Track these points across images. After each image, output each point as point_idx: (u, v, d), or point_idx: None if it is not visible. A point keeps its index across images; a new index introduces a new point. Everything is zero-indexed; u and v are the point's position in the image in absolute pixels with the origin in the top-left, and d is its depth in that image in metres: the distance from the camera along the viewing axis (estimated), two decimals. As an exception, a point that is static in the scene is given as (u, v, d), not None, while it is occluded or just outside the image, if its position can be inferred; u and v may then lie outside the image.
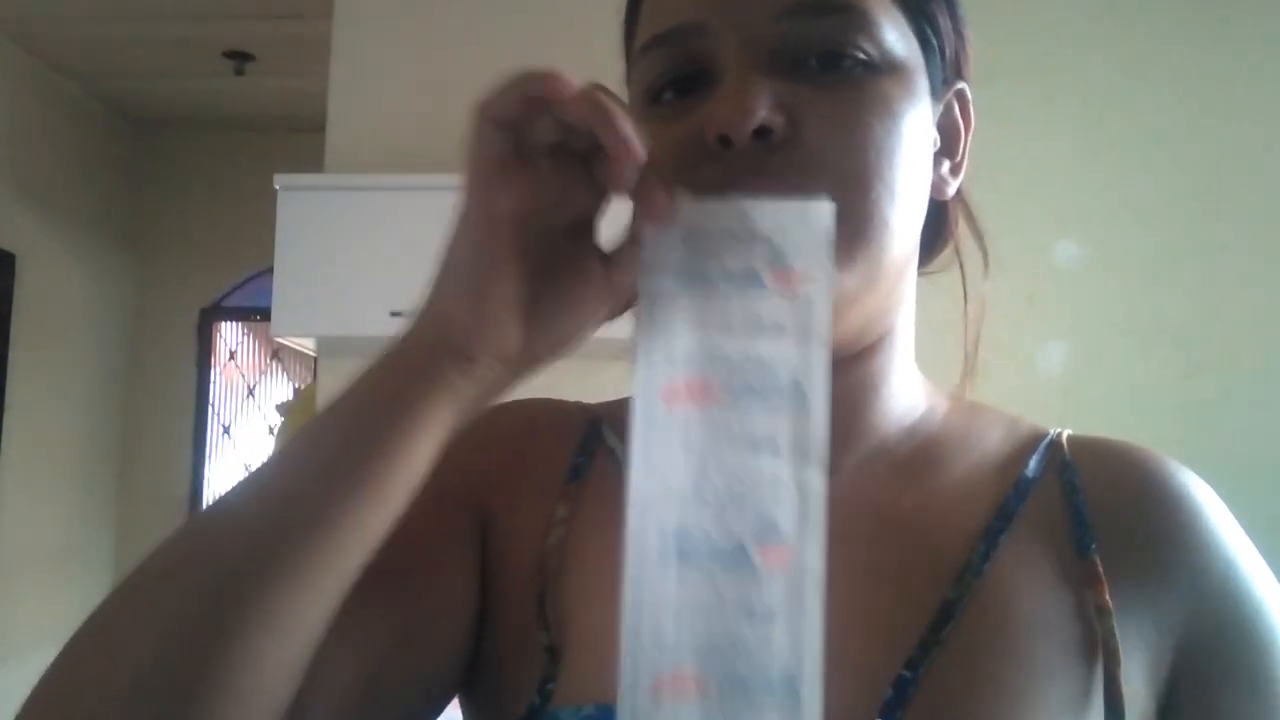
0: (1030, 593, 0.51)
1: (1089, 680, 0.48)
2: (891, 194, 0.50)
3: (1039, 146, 2.35)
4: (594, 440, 0.60)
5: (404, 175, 2.30)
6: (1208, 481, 0.55)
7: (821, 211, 0.45)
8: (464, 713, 0.58)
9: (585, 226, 0.48)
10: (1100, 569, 0.51)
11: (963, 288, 0.63)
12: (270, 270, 2.39)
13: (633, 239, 0.47)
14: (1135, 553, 0.52)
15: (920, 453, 0.56)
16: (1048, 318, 2.32)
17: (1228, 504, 0.55)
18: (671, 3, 0.52)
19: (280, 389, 4.55)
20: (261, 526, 0.43)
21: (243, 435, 4.37)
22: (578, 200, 0.46)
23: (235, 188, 3.89)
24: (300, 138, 3.30)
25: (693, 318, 0.45)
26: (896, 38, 0.51)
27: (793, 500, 0.42)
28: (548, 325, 0.47)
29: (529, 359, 0.47)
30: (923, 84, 0.53)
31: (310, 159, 2.61)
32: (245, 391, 4.48)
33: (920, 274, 0.59)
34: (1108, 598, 0.50)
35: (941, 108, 0.56)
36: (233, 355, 4.46)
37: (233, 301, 4.33)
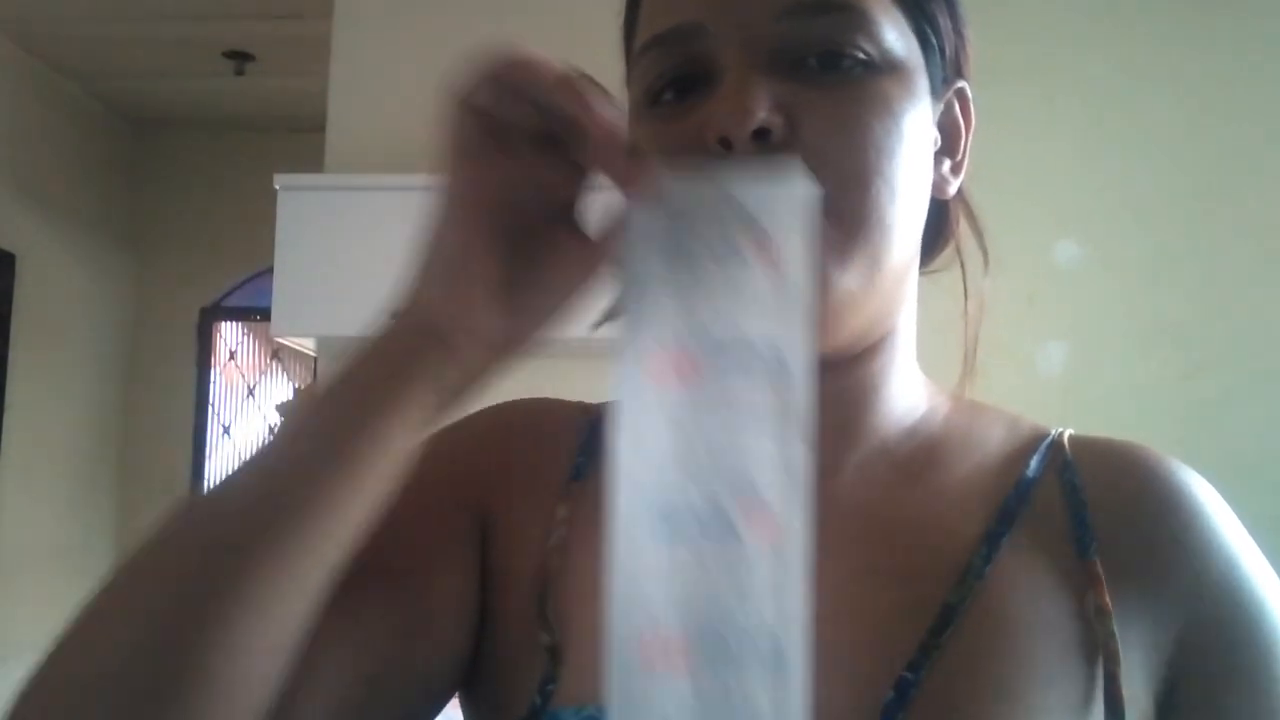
0: (1031, 594, 0.50)
1: (1089, 682, 0.48)
2: (892, 194, 0.50)
3: (1039, 146, 2.35)
4: (595, 440, 0.60)
5: (404, 175, 2.29)
6: (1208, 481, 0.55)
7: (801, 183, 0.45)
8: (464, 713, 0.58)
9: (566, 209, 0.48)
10: (1100, 570, 0.51)
11: (964, 287, 0.63)
12: (270, 270, 2.39)
13: (613, 216, 0.47)
14: (1135, 553, 0.52)
15: (921, 453, 0.56)
16: (1048, 318, 2.32)
17: (1228, 504, 0.55)
18: (671, 3, 0.52)
19: (280, 389, 4.55)
20: (242, 511, 0.42)
21: (243, 435, 4.37)
22: (556, 183, 0.46)
23: (235, 188, 3.89)
24: (300, 138, 3.30)
25: (674, 291, 0.45)
26: (896, 37, 0.51)
27: (776, 469, 0.42)
28: (528, 307, 0.47)
29: (511, 342, 0.47)
30: (923, 83, 0.53)
31: (310, 159, 2.61)
32: (245, 391, 4.48)
33: (921, 273, 0.59)
34: (1107, 599, 0.50)
35: (942, 107, 0.56)
36: (233, 355, 4.46)
37: (233, 301, 4.33)
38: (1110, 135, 2.40)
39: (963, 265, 0.63)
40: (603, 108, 0.43)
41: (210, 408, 4.29)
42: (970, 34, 0.58)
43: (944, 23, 0.55)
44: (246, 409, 4.44)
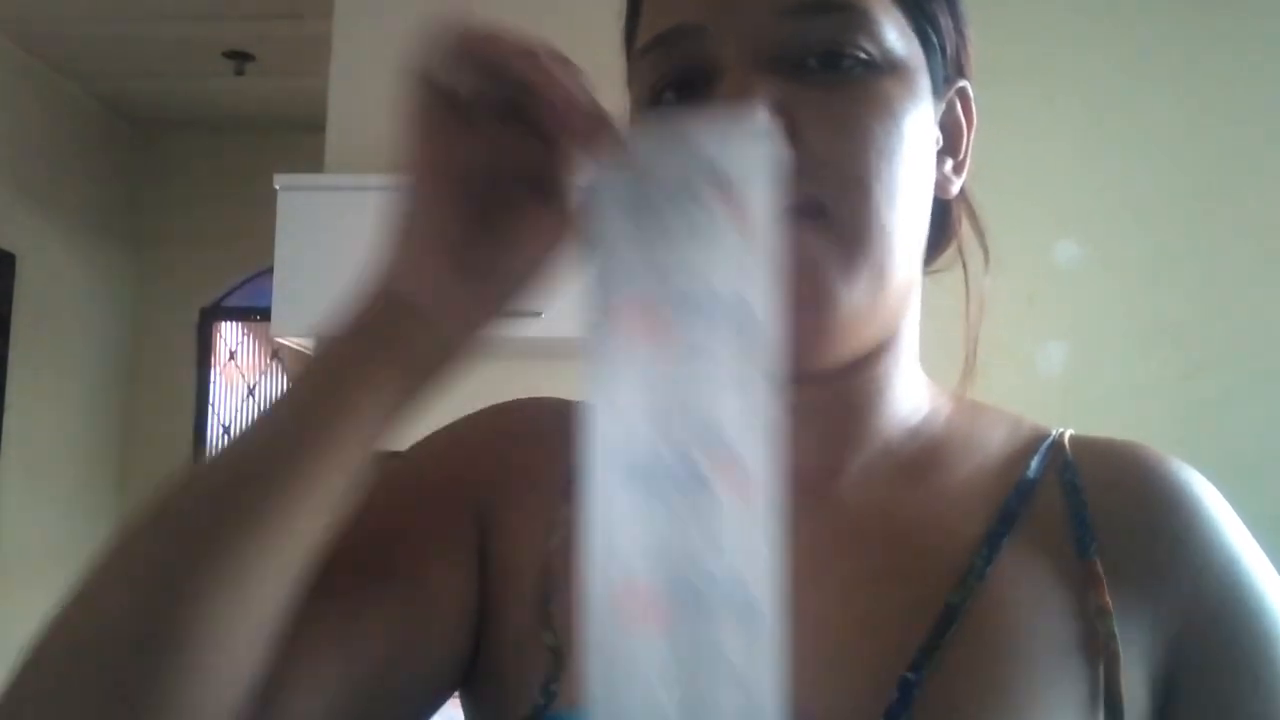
0: (1031, 595, 0.50)
1: (1090, 681, 0.48)
2: (892, 198, 0.50)
3: (1039, 146, 2.35)
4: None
5: (404, 175, 2.29)
6: (1208, 481, 0.55)
7: (761, 126, 0.44)
8: (465, 713, 0.58)
9: (537, 180, 0.48)
10: (1100, 570, 0.51)
11: (965, 286, 0.63)
12: (270, 270, 2.39)
13: (582, 182, 0.47)
14: (1135, 552, 0.52)
15: (924, 455, 0.56)
16: (1048, 318, 2.32)
17: (1228, 504, 0.55)
18: (672, 4, 0.52)
19: (280, 389, 4.54)
20: (214, 489, 0.43)
21: (243, 435, 4.36)
22: (523, 153, 0.46)
23: (235, 188, 3.89)
24: (300, 138, 3.30)
25: (640, 247, 0.45)
26: (897, 36, 0.51)
27: (744, 420, 0.42)
28: (495, 273, 0.47)
29: (480, 310, 0.48)
30: (924, 83, 0.53)
31: (310, 159, 2.62)
32: (245, 391, 4.48)
33: (923, 273, 0.59)
34: (1108, 599, 0.50)
35: (943, 106, 0.56)
36: (233, 355, 4.46)
37: (233, 301, 4.33)
38: (1110, 135, 2.41)
39: (965, 265, 0.63)
40: (566, 76, 0.43)
41: (210, 408, 4.30)
42: (971, 33, 0.58)
43: (945, 22, 0.55)
44: (246, 409, 4.44)
